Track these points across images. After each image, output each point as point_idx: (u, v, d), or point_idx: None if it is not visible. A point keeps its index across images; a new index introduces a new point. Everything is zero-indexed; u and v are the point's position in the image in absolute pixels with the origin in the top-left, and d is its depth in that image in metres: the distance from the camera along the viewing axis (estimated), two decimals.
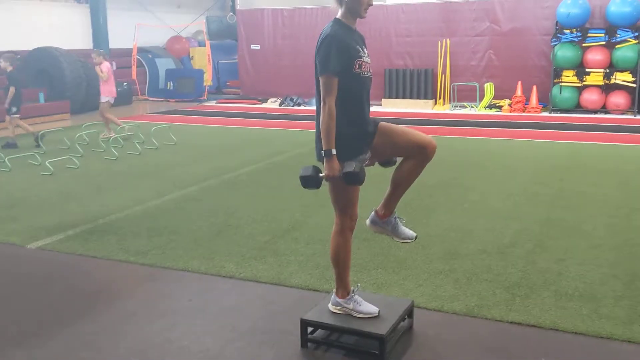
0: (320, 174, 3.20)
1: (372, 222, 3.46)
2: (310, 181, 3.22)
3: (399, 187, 3.39)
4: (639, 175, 7.30)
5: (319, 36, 3.18)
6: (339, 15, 3.22)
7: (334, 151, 3.09)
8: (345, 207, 3.29)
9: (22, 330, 3.66)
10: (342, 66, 3.10)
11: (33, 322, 3.77)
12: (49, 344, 3.47)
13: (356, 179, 3.09)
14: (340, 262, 3.39)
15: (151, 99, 17.88)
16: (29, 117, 11.72)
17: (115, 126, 10.73)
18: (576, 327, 3.54)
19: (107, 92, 10.73)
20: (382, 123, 3.36)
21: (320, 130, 3.14)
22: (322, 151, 3.11)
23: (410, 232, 3.40)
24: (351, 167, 3.08)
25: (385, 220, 3.42)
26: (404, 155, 3.37)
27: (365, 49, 3.28)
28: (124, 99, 16.37)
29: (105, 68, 10.63)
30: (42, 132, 10.28)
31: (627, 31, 12.71)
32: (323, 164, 3.22)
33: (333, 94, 3.07)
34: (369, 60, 3.27)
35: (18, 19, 15.43)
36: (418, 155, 3.30)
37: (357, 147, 3.21)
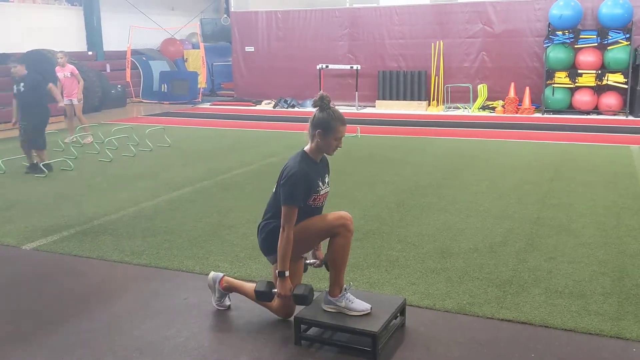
0: (273, 290, 3.48)
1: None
2: (264, 296, 3.53)
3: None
4: (629, 176, 7.38)
5: (284, 166, 3.45)
6: (306, 149, 3.49)
7: (287, 273, 3.38)
8: (327, 230, 3.47)
9: (19, 329, 3.69)
10: (302, 200, 3.39)
11: (29, 321, 3.80)
12: (46, 343, 3.50)
13: (305, 300, 3.41)
14: (339, 262, 3.46)
15: (145, 101, 17.89)
16: None
17: (79, 126, 10.79)
18: (566, 323, 3.60)
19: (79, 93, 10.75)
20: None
21: (269, 232, 3.50)
22: (277, 272, 3.40)
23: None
24: (300, 290, 3.41)
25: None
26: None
27: (326, 178, 3.55)
28: (118, 101, 16.40)
29: (76, 70, 10.76)
30: None
31: (619, 32, 12.82)
32: (266, 256, 3.63)
33: (292, 222, 3.35)
34: (327, 190, 3.55)
35: (11, 21, 15.42)
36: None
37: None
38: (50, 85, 8.44)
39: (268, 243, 3.54)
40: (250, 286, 3.77)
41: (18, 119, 8.26)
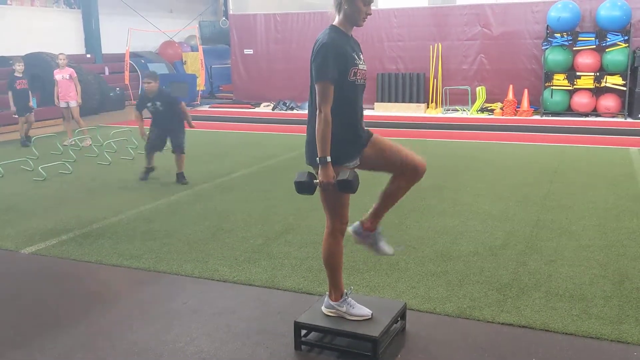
0: (315, 181, 3.21)
1: (355, 232, 3.49)
2: (305, 187, 3.23)
3: (386, 202, 3.42)
4: (628, 178, 7.38)
5: (314, 43, 3.16)
6: (335, 22, 3.21)
7: (329, 158, 3.09)
8: (335, 211, 3.31)
9: (20, 333, 3.67)
10: (338, 74, 3.10)
11: (30, 326, 3.78)
12: (46, 347, 3.49)
13: (350, 187, 3.11)
14: (332, 264, 3.41)
15: None
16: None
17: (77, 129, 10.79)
18: (566, 327, 3.59)
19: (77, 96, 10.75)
20: (376, 135, 3.38)
21: (313, 135, 3.15)
22: (317, 158, 3.10)
23: (388, 249, 3.42)
24: (345, 175, 3.09)
25: (367, 234, 3.43)
26: (392, 172, 3.40)
27: (361, 56, 3.29)
28: (116, 104, 16.38)
29: (75, 73, 10.76)
30: (34, 137, 10.28)
31: (617, 35, 12.83)
32: (313, 167, 3.25)
33: (329, 101, 3.06)
34: (364, 67, 3.28)
35: (10, 24, 15.41)
36: (409, 174, 3.36)
37: (347, 152, 3.22)
38: (182, 104, 7.69)
39: (312, 152, 3.20)
40: (380, 197, 3.47)
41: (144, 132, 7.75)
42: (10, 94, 10.55)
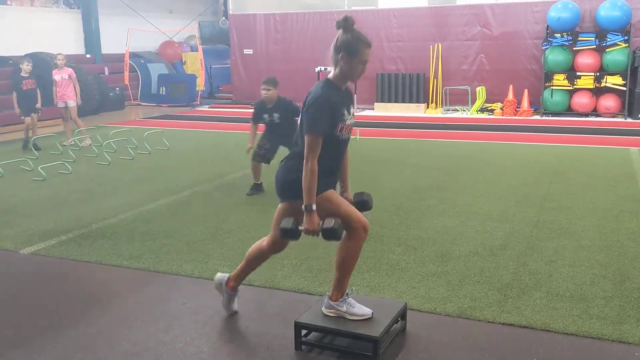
0: (300, 227, 3.28)
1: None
2: (290, 233, 3.31)
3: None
4: (628, 178, 7.37)
5: (307, 94, 3.25)
6: (330, 76, 3.32)
7: (314, 207, 3.19)
8: (343, 216, 3.30)
9: (20, 334, 3.66)
10: (328, 128, 3.21)
11: (29, 326, 3.77)
12: (45, 347, 3.48)
13: (334, 235, 3.19)
14: (346, 266, 3.40)
15: (143, 104, 17.87)
16: (22, 123, 11.68)
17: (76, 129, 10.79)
18: (567, 327, 3.58)
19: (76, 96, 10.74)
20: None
21: (289, 175, 3.29)
22: (304, 206, 3.19)
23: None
24: (330, 223, 3.19)
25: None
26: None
27: (351, 109, 3.38)
28: (116, 104, 16.38)
29: (74, 73, 10.74)
30: (33, 137, 10.27)
31: (617, 35, 12.83)
32: (281, 201, 3.39)
33: (317, 153, 3.16)
34: (352, 120, 3.37)
35: (10, 24, 15.41)
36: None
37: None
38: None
39: (287, 190, 3.34)
40: (243, 261, 3.68)
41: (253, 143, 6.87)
42: (14, 94, 10.35)
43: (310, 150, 3.15)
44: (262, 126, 6.94)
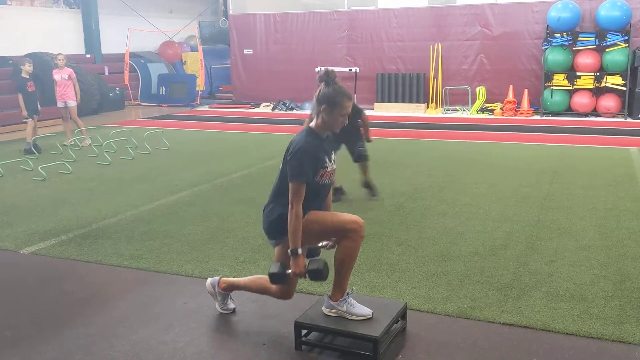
0: (287, 271, 3.35)
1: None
2: (278, 278, 3.39)
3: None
4: (628, 178, 7.37)
5: (290, 143, 3.35)
6: (312, 125, 3.41)
7: (299, 250, 3.28)
8: (336, 226, 3.37)
9: (18, 334, 3.66)
10: (311, 176, 3.30)
11: (28, 326, 3.77)
12: (45, 348, 3.48)
13: (320, 276, 3.30)
14: (345, 266, 3.42)
15: (144, 104, 17.87)
16: (22, 123, 11.70)
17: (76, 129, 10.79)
18: (567, 327, 3.58)
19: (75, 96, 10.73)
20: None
21: (271, 216, 3.41)
22: (289, 250, 3.28)
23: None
24: (315, 265, 3.29)
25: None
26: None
27: (333, 155, 3.47)
28: (116, 104, 16.38)
29: (74, 74, 10.72)
30: (34, 137, 10.27)
31: (617, 35, 12.83)
32: (274, 245, 3.48)
33: (301, 199, 3.26)
34: (334, 167, 3.46)
35: (10, 24, 15.41)
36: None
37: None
38: (364, 114, 6.67)
39: (272, 228, 3.44)
40: (247, 279, 3.74)
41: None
42: (21, 97, 10.09)
43: (295, 197, 3.25)
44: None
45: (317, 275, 3.31)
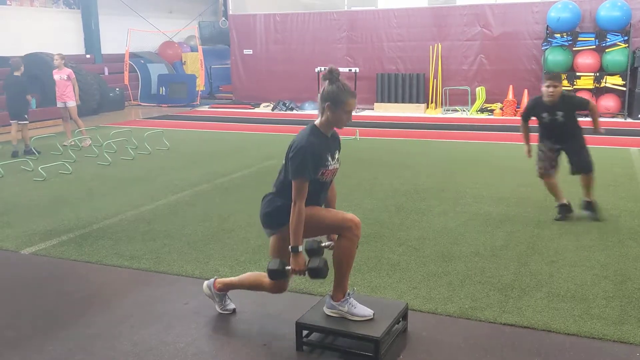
0: (287, 267, 3.37)
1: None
2: (277, 274, 3.41)
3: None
4: (629, 178, 7.37)
5: (293, 141, 3.35)
6: (317, 122, 3.39)
7: (300, 248, 3.30)
8: (332, 225, 3.39)
9: (19, 334, 3.66)
10: (312, 173, 3.31)
11: (29, 326, 3.77)
12: (45, 348, 3.48)
13: (320, 274, 3.31)
14: (344, 266, 3.42)
15: (143, 104, 17.87)
16: (21, 123, 11.68)
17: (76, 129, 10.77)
18: (568, 328, 3.58)
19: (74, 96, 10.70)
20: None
21: (268, 208, 3.46)
22: (290, 247, 3.30)
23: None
24: (315, 263, 3.30)
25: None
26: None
27: (336, 154, 3.46)
28: (116, 104, 16.38)
29: (73, 74, 10.69)
30: (33, 137, 10.26)
31: (617, 35, 12.84)
32: (269, 235, 3.50)
33: (304, 196, 3.27)
34: (335, 165, 3.45)
35: (9, 24, 15.41)
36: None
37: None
38: (591, 104, 6.12)
39: (270, 218, 3.47)
40: (243, 276, 3.75)
41: None
42: (29, 98, 10.15)
43: (298, 195, 3.27)
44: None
45: (317, 273, 3.31)
